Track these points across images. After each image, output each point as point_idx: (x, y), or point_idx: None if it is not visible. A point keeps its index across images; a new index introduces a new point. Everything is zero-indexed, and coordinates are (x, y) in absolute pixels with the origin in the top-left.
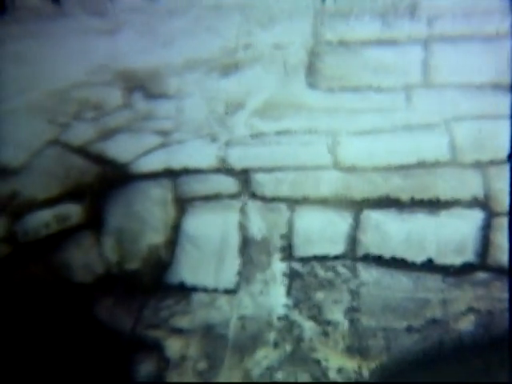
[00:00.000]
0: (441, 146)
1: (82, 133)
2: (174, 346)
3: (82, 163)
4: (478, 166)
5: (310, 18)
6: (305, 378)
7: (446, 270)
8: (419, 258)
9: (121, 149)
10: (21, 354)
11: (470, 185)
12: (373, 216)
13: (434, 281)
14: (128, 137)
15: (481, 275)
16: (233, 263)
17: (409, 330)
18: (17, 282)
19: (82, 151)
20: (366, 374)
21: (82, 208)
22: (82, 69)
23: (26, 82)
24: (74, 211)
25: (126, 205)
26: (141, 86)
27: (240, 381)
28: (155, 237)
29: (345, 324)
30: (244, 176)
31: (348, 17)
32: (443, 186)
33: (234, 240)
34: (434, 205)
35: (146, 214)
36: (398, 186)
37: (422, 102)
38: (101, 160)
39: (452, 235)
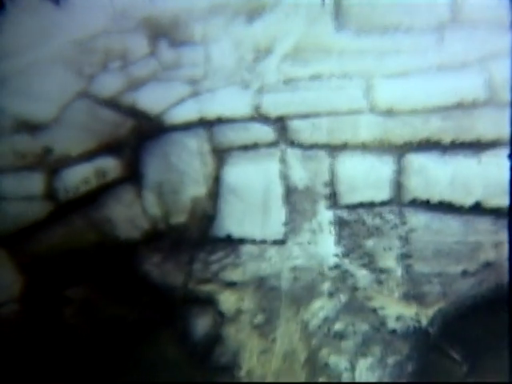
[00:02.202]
0: (477, 85)
1: (109, 84)
2: (227, 300)
3: (114, 116)
4: None
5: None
6: (363, 327)
7: (494, 212)
8: (467, 200)
9: (151, 99)
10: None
11: (508, 124)
12: (415, 160)
13: (484, 223)
14: (157, 87)
15: None
16: (278, 213)
17: (464, 274)
18: (61, 240)
19: (112, 103)
20: (424, 321)
21: (120, 162)
22: (102, 16)
23: (45, 32)
24: (111, 165)
25: (162, 157)
26: (165, 33)
27: (299, 332)
28: (197, 189)
29: (398, 271)
30: (280, 123)
31: None
32: (483, 126)
33: (277, 190)
34: (475, 146)
35: (185, 166)
36: (437, 129)
37: (454, 41)
38: (132, 112)
39: (497, 176)
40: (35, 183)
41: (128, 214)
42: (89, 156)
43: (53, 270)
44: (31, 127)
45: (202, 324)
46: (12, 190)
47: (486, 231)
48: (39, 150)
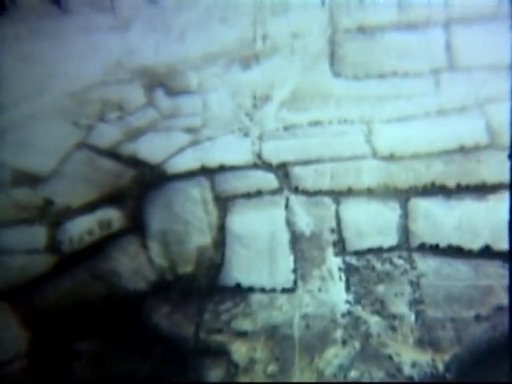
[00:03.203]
0: (478, 129)
1: (108, 134)
2: (240, 350)
3: (114, 166)
4: None
5: (325, 5)
6: (379, 375)
7: (503, 255)
8: (475, 244)
9: (151, 149)
10: (80, 367)
11: None
12: (421, 204)
13: (493, 267)
14: (156, 136)
15: None
16: (286, 261)
17: (477, 318)
18: (67, 293)
19: (111, 153)
20: (440, 366)
21: (122, 212)
22: (97, 67)
23: (40, 84)
24: (114, 216)
25: (165, 207)
26: (161, 82)
27: (314, 381)
28: (202, 238)
29: (411, 317)
30: (282, 170)
31: (362, 2)
32: (486, 169)
33: (283, 237)
34: (480, 189)
35: (188, 215)
36: (441, 173)
37: (451, 86)
38: (133, 162)
39: (503, 219)
40: (37, 236)
41: (133, 265)
42: (91, 207)
43: (59, 323)
44: (31, 180)
45: (215, 375)
46: (14, 243)
47: (497, 275)
48: (40, 202)
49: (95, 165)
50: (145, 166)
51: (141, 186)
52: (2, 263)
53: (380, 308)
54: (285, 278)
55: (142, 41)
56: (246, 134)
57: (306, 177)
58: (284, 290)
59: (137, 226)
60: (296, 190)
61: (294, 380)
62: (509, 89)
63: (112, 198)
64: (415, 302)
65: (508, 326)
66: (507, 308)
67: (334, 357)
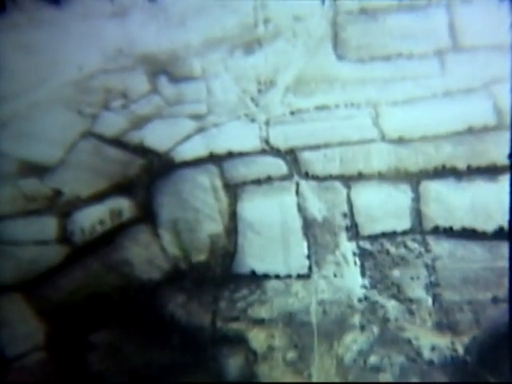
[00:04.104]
0: (486, 110)
1: (113, 123)
2: (258, 338)
3: (122, 154)
4: None
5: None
6: (399, 359)
7: None
8: (489, 226)
9: (158, 137)
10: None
11: None
12: (432, 187)
13: (508, 248)
14: (162, 124)
15: None
16: (300, 247)
17: (494, 300)
18: (80, 285)
19: (118, 142)
20: (460, 349)
21: (132, 201)
22: (98, 55)
23: (42, 73)
24: (125, 205)
25: (175, 195)
26: (163, 69)
27: (334, 367)
28: (213, 226)
29: (428, 300)
30: (291, 156)
31: None
32: (496, 150)
33: (296, 223)
34: (491, 171)
35: (199, 203)
36: (451, 155)
37: (456, 66)
38: (140, 150)
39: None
40: (48, 227)
41: (146, 255)
42: (100, 197)
43: (74, 315)
44: (38, 170)
45: (234, 364)
46: (24, 234)
47: (507, 259)
48: (48, 192)
49: (102, 154)
50: (152, 154)
51: (149, 175)
52: (13, 255)
53: (396, 292)
54: (299, 264)
55: (142, 27)
56: (253, 120)
57: (315, 162)
58: (299, 277)
59: (147, 215)
60: (306, 176)
61: (315, 366)
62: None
63: (121, 187)
64: (431, 286)
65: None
66: None
67: (352, 342)
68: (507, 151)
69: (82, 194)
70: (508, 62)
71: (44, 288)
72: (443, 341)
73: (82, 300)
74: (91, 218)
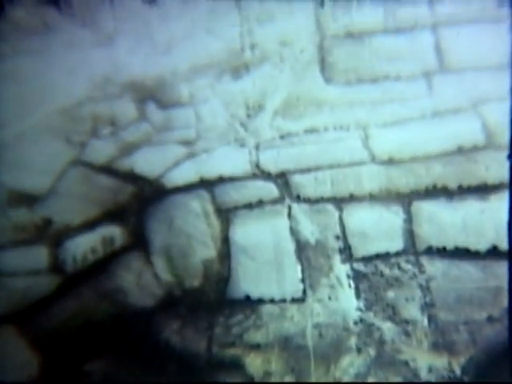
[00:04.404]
0: (475, 130)
1: (102, 150)
2: (254, 363)
3: (112, 182)
4: None
5: (311, 12)
6: (397, 381)
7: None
8: (482, 245)
9: (148, 163)
10: None
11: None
12: (424, 207)
13: (502, 267)
14: (152, 150)
15: None
16: (293, 270)
17: (490, 320)
18: (74, 313)
19: (107, 170)
20: (457, 370)
21: (124, 229)
22: (86, 83)
23: (30, 102)
24: (116, 233)
25: (167, 221)
26: (151, 96)
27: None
28: (206, 251)
29: (424, 321)
30: (282, 179)
31: (349, 7)
32: (486, 170)
33: (289, 246)
34: (482, 190)
35: (191, 229)
36: (441, 175)
37: (443, 87)
38: (130, 177)
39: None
40: (39, 256)
41: (139, 282)
42: (91, 225)
43: (69, 344)
44: (27, 199)
45: None
46: (15, 264)
47: (505, 275)
48: (38, 222)
49: (92, 182)
50: (143, 180)
51: (140, 202)
52: (4, 286)
53: (392, 314)
54: (294, 287)
55: (128, 55)
56: (243, 145)
57: (306, 185)
58: (294, 300)
59: (139, 242)
60: (298, 199)
61: None
62: (501, 88)
63: (112, 215)
64: (427, 306)
65: (508, 326)
66: None
67: (349, 365)
68: (497, 170)
69: (73, 222)
70: (495, 82)
71: (37, 318)
72: (440, 361)
73: (76, 329)
74: (83, 247)
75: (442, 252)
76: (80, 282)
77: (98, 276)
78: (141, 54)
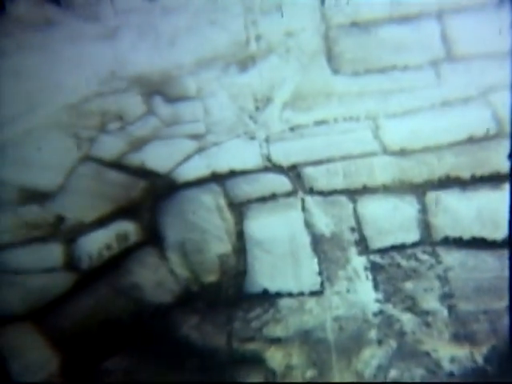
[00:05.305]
0: (485, 118)
1: (112, 146)
2: (275, 357)
3: (123, 177)
4: None
5: (315, 2)
6: (419, 372)
7: None
8: (497, 235)
9: (158, 158)
10: None
11: None
12: (438, 197)
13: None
14: (161, 145)
15: None
16: (310, 263)
17: (509, 309)
18: (91, 311)
19: (118, 165)
20: (479, 359)
21: (138, 225)
22: (91, 78)
23: (36, 98)
24: (130, 229)
25: (180, 216)
26: (158, 90)
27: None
28: (221, 246)
29: (444, 312)
30: (294, 172)
31: None
32: (498, 159)
33: (304, 239)
34: (495, 179)
35: (205, 224)
36: (453, 165)
37: (451, 76)
38: (141, 172)
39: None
40: (53, 254)
41: (155, 278)
42: (104, 221)
43: (88, 342)
44: (39, 197)
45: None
46: (30, 263)
47: None
48: (51, 219)
49: (103, 178)
50: (154, 175)
51: (153, 197)
52: (20, 284)
53: (411, 305)
54: (311, 280)
55: (132, 48)
56: (252, 138)
57: (318, 177)
58: (312, 293)
59: (153, 238)
60: (311, 191)
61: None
62: (509, 77)
63: (125, 211)
64: (446, 297)
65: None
66: None
67: (371, 357)
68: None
69: (86, 219)
70: (503, 70)
71: (55, 316)
72: (462, 352)
73: (95, 326)
74: (98, 243)
75: (459, 242)
76: (96, 279)
77: (113, 273)
78: (145, 47)
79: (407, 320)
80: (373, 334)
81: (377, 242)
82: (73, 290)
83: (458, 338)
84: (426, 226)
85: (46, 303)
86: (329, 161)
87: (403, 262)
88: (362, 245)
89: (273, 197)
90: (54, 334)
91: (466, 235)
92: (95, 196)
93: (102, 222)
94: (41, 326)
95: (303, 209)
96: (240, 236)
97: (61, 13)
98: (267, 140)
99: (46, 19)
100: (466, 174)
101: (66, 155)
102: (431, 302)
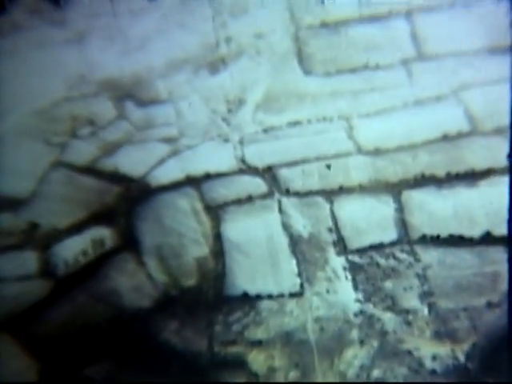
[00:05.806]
0: (457, 116)
1: (83, 151)
2: (258, 360)
3: (96, 183)
4: (500, 131)
5: (284, 3)
6: (402, 371)
7: (505, 240)
8: (475, 231)
9: (131, 163)
10: None
11: (497, 152)
12: (414, 196)
13: (497, 252)
14: (134, 149)
15: None
16: (289, 265)
17: (489, 305)
18: (69, 318)
19: (90, 170)
20: (461, 357)
21: (113, 230)
22: (61, 83)
23: (4, 104)
24: (106, 234)
25: (156, 221)
26: (128, 94)
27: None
28: (199, 249)
29: (424, 310)
30: (269, 174)
31: None
32: (472, 156)
33: (282, 241)
34: (470, 176)
35: (181, 227)
36: (429, 163)
37: (423, 75)
38: (115, 177)
39: (498, 204)
40: (28, 261)
41: (133, 283)
42: (79, 227)
43: (67, 349)
44: (11, 204)
45: None
46: (5, 270)
47: (501, 260)
48: (25, 226)
49: (76, 183)
50: (128, 180)
51: (127, 202)
52: None
53: (391, 304)
54: (291, 282)
55: (100, 52)
56: (226, 140)
57: (294, 178)
58: (292, 295)
59: (130, 243)
60: (287, 193)
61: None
62: (480, 74)
63: (100, 216)
64: (425, 295)
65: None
66: None
67: (353, 357)
68: (484, 157)
69: (60, 225)
70: (474, 68)
71: (32, 324)
72: (443, 349)
73: (73, 333)
74: (73, 250)
75: (436, 240)
76: (73, 286)
77: (90, 279)
78: (114, 51)
79: (388, 319)
80: (354, 334)
81: (355, 242)
82: (50, 297)
83: (439, 335)
84: (403, 224)
85: (22, 311)
86: (304, 162)
87: (382, 262)
88: (340, 245)
89: (249, 199)
90: (32, 342)
91: (444, 233)
92: (69, 202)
93: (76, 228)
94: (18, 335)
95: (280, 210)
96: (217, 239)
97: (27, 18)
98: (241, 142)
99: (12, 24)
100: (441, 172)
101: (37, 161)
102: (411, 301)
